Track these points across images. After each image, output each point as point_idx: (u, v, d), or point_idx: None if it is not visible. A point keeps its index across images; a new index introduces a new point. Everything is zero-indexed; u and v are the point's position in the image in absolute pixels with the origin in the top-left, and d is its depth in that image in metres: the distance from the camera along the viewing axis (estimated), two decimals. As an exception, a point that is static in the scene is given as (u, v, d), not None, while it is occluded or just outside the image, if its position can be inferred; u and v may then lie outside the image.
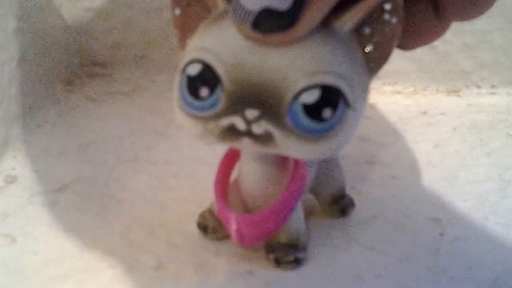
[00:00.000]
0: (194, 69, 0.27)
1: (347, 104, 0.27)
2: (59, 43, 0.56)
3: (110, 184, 0.42)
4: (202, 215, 0.37)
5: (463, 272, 0.34)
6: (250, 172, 0.34)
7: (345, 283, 0.34)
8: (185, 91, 0.28)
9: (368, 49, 0.27)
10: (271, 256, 0.34)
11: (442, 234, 0.38)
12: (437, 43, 0.54)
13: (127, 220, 0.38)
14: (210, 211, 0.37)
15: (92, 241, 0.37)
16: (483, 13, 0.29)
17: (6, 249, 0.36)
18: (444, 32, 0.30)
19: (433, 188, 0.42)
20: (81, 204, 0.40)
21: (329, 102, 0.26)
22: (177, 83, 0.29)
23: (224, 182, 0.35)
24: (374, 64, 0.28)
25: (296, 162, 0.32)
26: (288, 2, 0.24)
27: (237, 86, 0.26)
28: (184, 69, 0.28)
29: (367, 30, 0.27)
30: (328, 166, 0.37)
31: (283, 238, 0.34)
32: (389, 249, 0.36)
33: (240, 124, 0.27)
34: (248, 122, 0.27)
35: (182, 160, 0.45)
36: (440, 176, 0.44)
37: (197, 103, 0.28)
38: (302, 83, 0.26)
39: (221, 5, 0.28)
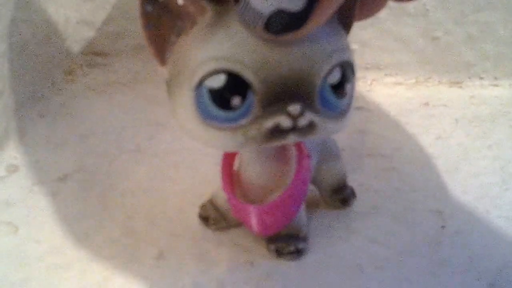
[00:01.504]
0: (217, 81, 0.26)
1: (353, 72, 0.28)
2: (60, 33, 0.55)
3: (111, 174, 0.42)
4: (203, 206, 0.38)
5: (464, 264, 0.34)
6: (253, 165, 0.34)
7: (345, 274, 0.34)
8: (210, 105, 0.27)
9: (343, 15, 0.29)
10: (272, 246, 0.35)
11: (443, 227, 0.38)
12: (439, 34, 0.54)
13: (128, 210, 0.39)
14: (211, 202, 0.37)
15: (93, 231, 0.37)
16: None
17: (8, 237, 0.36)
18: (382, 8, 0.31)
19: (434, 180, 0.42)
20: (83, 194, 0.40)
21: (347, 77, 0.28)
22: (187, 100, 0.28)
23: (230, 178, 0.35)
24: (347, 26, 0.29)
25: (299, 149, 0.32)
26: (301, 4, 0.24)
27: (270, 85, 0.26)
28: (200, 84, 0.27)
29: None
30: (328, 157, 0.37)
31: (285, 229, 0.34)
32: (390, 241, 0.36)
33: (286, 122, 0.27)
34: (294, 118, 0.27)
35: (183, 151, 0.45)
36: (441, 169, 0.44)
37: (228, 114, 0.27)
38: (328, 65, 0.27)
39: (210, 10, 0.27)
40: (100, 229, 0.37)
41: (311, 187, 0.38)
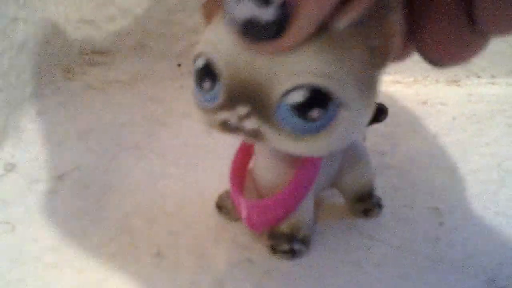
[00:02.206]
0: (200, 62, 0.28)
1: (339, 105, 0.26)
2: (59, 31, 0.56)
3: (110, 172, 0.42)
4: (220, 196, 0.38)
5: (462, 261, 0.34)
6: (262, 161, 0.34)
7: (344, 272, 0.34)
8: (194, 82, 0.29)
9: (372, 44, 0.26)
10: (268, 242, 0.35)
11: (441, 223, 0.38)
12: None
13: (127, 208, 0.39)
14: (227, 193, 0.37)
15: (91, 229, 0.37)
16: (457, 63, 0.28)
17: (5, 236, 0.36)
18: (482, 48, 0.27)
19: (432, 177, 0.42)
20: (81, 192, 0.40)
21: (318, 103, 0.26)
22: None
23: (240, 169, 0.36)
24: (378, 59, 0.27)
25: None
26: (270, 14, 0.24)
27: (232, 81, 0.27)
28: (194, 61, 0.29)
29: (368, 26, 0.26)
30: (353, 162, 0.37)
31: (284, 227, 0.34)
32: (388, 237, 0.36)
33: (233, 119, 0.27)
34: (240, 118, 0.27)
35: (182, 148, 0.45)
36: (439, 166, 0.44)
37: (202, 94, 0.28)
38: (288, 84, 0.26)
39: None
40: (98, 228, 0.37)
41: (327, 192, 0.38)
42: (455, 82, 0.57)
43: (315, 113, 0.26)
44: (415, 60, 0.56)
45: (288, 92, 0.26)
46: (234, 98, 0.27)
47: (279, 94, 0.26)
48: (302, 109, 0.26)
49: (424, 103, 0.54)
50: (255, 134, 0.27)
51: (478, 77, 0.57)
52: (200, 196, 0.39)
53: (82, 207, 0.39)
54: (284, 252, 0.34)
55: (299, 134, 0.27)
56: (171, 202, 0.39)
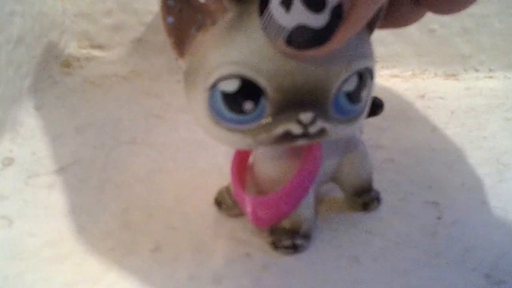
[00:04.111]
0: (231, 85, 0.27)
1: (372, 77, 0.28)
2: (57, 26, 0.55)
3: (107, 166, 0.42)
4: (219, 192, 0.38)
5: (460, 255, 0.34)
6: (263, 157, 0.34)
7: (342, 266, 0.34)
8: (222, 108, 0.27)
9: None
10: (270, 239, 0.35)
11: (439, 218, 0.38)
12: (435, 26, 0.54)
13: (125, 202, 0.39)
14: (227, 189, 0.37)
15: (89, 224, 0.37)
16: (459, 11, 0.29)
17: (3, 231, 0.36)
18: (417, 20, 0.30)
19: (430, 171, 0.42)
20: (79, 187, 0.40)
21: (364, 83, 0.28)
22: (201, 98, 0.28)
23: (241, 165, 0.36)
24: (371, 25, 0.29)
25: (310, 146, 0.32)
26: (323, 21, 0.24)
27: (283, 93, 0.26)
28: (214, 86, 0.27)
29: None
30: (352, 157, 0.37)
31: (285, 222, 0.34)
32: (387, 232, 0.36)
33: (297, 129, 0.27)
34: (305, 126, 0.27)
35: (179, 143, 0.45)
36: (437, 160, 0.44)
37: (239, 117, 0.27)
38: (344, 75, 0.26)
39: (232, 10, 0.27)
40: (96, 222, 0.37)
41: (326, 186, 0.38)
42: (453, 76, 0.57)
43: (365, 93, 0.28)
44: (413, 54, 0.56)
45: (344, 82, 0.27)
46: (288, 108, 0.27)
47: (336, 89, 0.27)
48: (356, 94, 0.28)
49: (422, 97, 0.54)
50: (320, 135, 0.27)
51: (476, 71, 0.57)
52: (198, 190, 0.39)
53: (80, 201, 0.39)
54: (286, 247, 0.34)
55: (352, 117, 0.28)
56: (169, 197, 0.39)
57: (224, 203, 0.37)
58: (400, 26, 0.31)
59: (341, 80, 0.27)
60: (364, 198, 0.38)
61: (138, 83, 0.55)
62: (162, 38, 0.57)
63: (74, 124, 0.47)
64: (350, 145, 0.36)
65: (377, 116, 0.38)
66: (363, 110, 0.29)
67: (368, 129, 0.41)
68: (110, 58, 0.58)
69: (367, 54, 0.28)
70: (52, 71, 0.54)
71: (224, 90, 0.27)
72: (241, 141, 0.28)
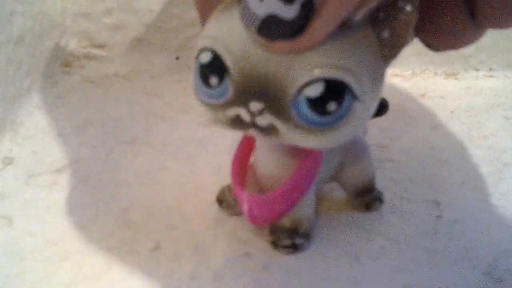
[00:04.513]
0: (205, 57, 0.27)
1: (354, 97, 0.26)
2: (57, 25, 0.55)
3: (108, 166, 0.42)
4: (221, 190, 0.38)
5: (460, 254, 0.34)
6: (264, 155, 0.34)
7: (342, 265, 0.34)
8: (198, 78, 0.28)
9: (383, 35, 0.27)
10: (270, 238, 0.35)
11: (439, 216, 0.38)
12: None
13: (125, 201, 0.39)
14: (229, 187, 0.37)
15: (89, 223, 0.37)
16: None
17: (3, 230, 0.36)
18: (478, 39, 0.29)
19: (430, 170, 0.42)
20: (79, 186, 0.40)
21: (334, 96, 0.26)
22: (193, 68, 0.29)
23: (242, 163, 0.36)
24: (388, 51, 0.27)
25: (307, 151, 0.32)
26: (293, 12, 0.23)
27: (244, 77, 0.26)
28: (197, 56, 0.28)
29: (381, 17, 0.26)
30: (354, 156, 0.37)
31: (285, 221, 0.34)
32: (387, 231, 0.36)
33: (245, 116, 0.27)
34: (253, 114, 0.27)
35: (180, 142, 0.45)
36: (438, 159, 0.44)
37: (207, 91, 0.28)
38: (305, 78, 0.26)
39: None
40: (96, 221, 0.37)
41: (328, 186, 0.38)
42: (454, 75, 0.57)
43: (332, 106, 0.26)
44: (413, 53, 0.56)
45: (305, 86, 0.26)
46: (246, 93, 0.26)
47: (296, 89, 0.26)
48: (319, 103, 0.26)
49: (422, 96, 0.54)
50: (269, 130, 0.27)
51: (476, 70, 0.57)
52: (199, 190, 0.39)
53: (81, 201, 0.39)
54: (286, 247, 0.34)
55: (315, 128, 0.27)
56: (170, 196, 0.39)
57: (226, 201, 0.37)
58: (457, 48, 0.30)
59: (301, 81, 0.26)
60: (366, 198, 0.38)
61: (138, 82, 0.55)
62: (163, 38, 0.57)
63: (74, 124, 0.47)
64: (352, 145, 0.36)
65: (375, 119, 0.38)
66: (336, 127, 0.27)
67: (369, 128, 0.41)
68: (110, 58, 0.58)
69: (352, 71, 0.26)
70: (52, 71, 0.54)
71: (200, 61, 0.27)
72: (206, 115, 0.29)
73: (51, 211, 0.38)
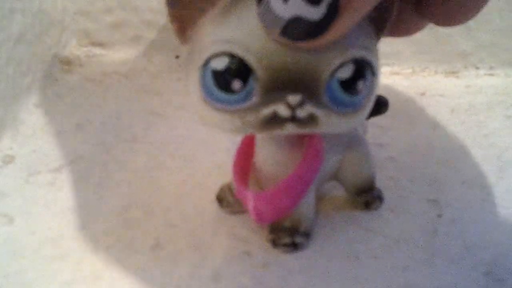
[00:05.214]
0: (221, 63, 0.26)
1: (373, 73, 0.28)
2: (57, 23, 0.55)
3: (108, 164, 0.42)
4: (221, 189, 0.38)
5: (460, 253, 0.34)
6: (265, 153, 0.34)
7: (342, 264, 0.34)
8: (212, 86, 0.27)
9: (372, 14, 0.27)
10: (270, 236, 0.35)
11: (439, 215, 0.38)
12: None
13: (125, 200, 0.39)
14: (229, 186, 0.37)
15: (89, 221, 0.37)
16: (460, 23, 0.29)
17: (3, 229, 0.36)
18: (420, 30, 0.31)
19: (431, 169, 0.42)
20: (79, 184, 0.40)
21: (361, 74, 0.27)
22: (195, 78, 0.28)
23: (244, 162, 0.36)
24: (379, 28, 0.28)
25: (311, 139, 0.32)
26: (319, 13, 0.24)
27: (272, 73, 0.26)
28: (206, 64, 0.27)
29: None
30: (354, 154, 0.37)
31: (285, 220, 0.34)
32: (387, 230, 0.36)
33: (284, 111, 0.26)
34: (292, 108, 0.26)
35: (179, 140, 0.45)
36: (438, 158, 0.44)
37: (228, 97, 0.27)
38: (338, 60, 0.26)
39: None
40: (96, 220, 0.37)
41: (328, 185, 0.38)
42: (454, 73, 0.57)
43: (360, 84, 0.27)
44: (413, 52, 0.56)
45: (337, 69, 0.26)
46: (278, 89, 0.26)
47: (328, 74, 0.26)
48: (351, 83, 0.27)
49: (423, 94, 0.54)
50: (307, 122, 0.27)
51: (477, 68, 0.57)
52: (198, 188, 0.39)
53: (81, 199, 0.39)
54: (286, 245, 0.34)
55: (348, 109, 0.28)
56: (169, 194, 0.39)
57: (225, 200, 0.37)
58: (401, 36, 0.31)
59: (335, 64, 0.26)
60: (366, 197, 0.38)
61: (138, 81, 0.55)
62: (162, 36, 0.57)
63: (74, 122, 0.47)
64: (353, 143, 0.36)
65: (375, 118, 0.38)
66: (362, 106, 0.28)
67: (369, 127, 0.41)
68: (110, 56, 0.58)
69: (368, 48, 0.27)
70: (52, 69, 0.54)
71: (215, 68, 0.27)
72: (230, 123, 0.28)
73: (51, 209, 0.38)
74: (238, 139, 0.36)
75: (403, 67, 0.58)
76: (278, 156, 0.33)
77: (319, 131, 0.28)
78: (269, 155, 0.34)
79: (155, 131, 0.47)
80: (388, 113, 0.38)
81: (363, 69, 0.27)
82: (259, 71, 0.26)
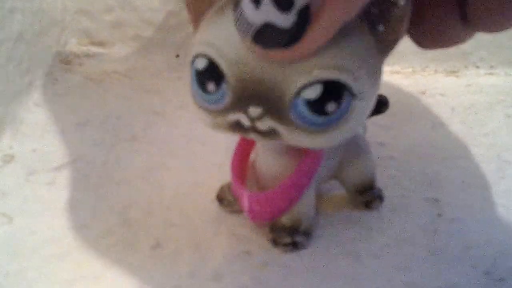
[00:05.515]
0: (201, 64, 0.27)
1: (353, 95, 0.26)
2: (57, 22, 0.55)
3: (108, 163, 0.42)
4: (221, 188, 0.38)
5: (460, 252, 0.34)
6: (264, 154, 0.34)
7: (343, 263, 0.34)
8: (195, 83, 0.28)
9: (378, 29, 0.27)
10: (270, 236, 0.35)
11: (439, 215, 0.38)
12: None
13: (125, 199, 0.39)
14: (229, 185, 0.37)
15: (89, 221, 0.37)
16: (510, 28, 0.27)
17: (3, 228, 0.36)
18: (467, 40, 0.29)
19: (431, 168, 0.42)
20: (79, 184, 0.40)
21: (333, 96, 0.26)
22: (189, 73, 0.28)
23: (242, 161, 0.36)
24: (384, 45, 0.27)
25: (308, 149, 0.32)
26: (290, 21, 0.23)
27: (240, 82, 0.26)
28: (192, 62, 0.28)
29: (375, 12, 0.26)
30: (354, 154, 0.37)
31: (285, 219, 0.34)
32: (387, 229, 0.36)
33: (245, 121, 0.27)
34: (252, 119, 0.27)
35: (179, 140, 0.45)
36: (438, 157, 0.44)
37: (205, 96, 0.27)
38: (303, 80, 0.25)
39: None
40: (96, 219, 0.37)
41: (328, 184, 0.38)
42: (454, 72, 0.57)
43: (331, 106, 0.26)
44: (414, 51, 0.56)
45: (303, 88, 0.26)
46: (244, 98, 0.26)
47: (293, 92, 0.26)
48: (318, 104, 0.26)
49: (423, 93, 0.54)
50: (269, 134, 0.27)
51: (477, 67, 0.57)
52: (198, 187, 0.39)
53: (81, 198, 0.39)
54: (286, 245, 0.34)
55: (315, 129, 0.27)
56: (170, 194, 0.39)
57: (226, 199, 0.37)
58: (444, 47, 0.30)
59: (298, 84, 0.26)
60: (367, 196, 0.38)
61: (138, 80, 0.55)
62: (162, 35, 0.57)
63: (74, 121, 0.47)
64: (353, 143, 0.36)
65: (376, 117, 0.37)
66: (336, 126, 0.27)
67: (369, 126, 0.41)
68: (110, 55, 0.58)
69: (348, 70, 0.26)
70: (52, 68, 0.54)
71: (196, 67, 0.27)
72: (205, 121, 0.29)
73: (51, 209, 0.37)
74: (237, 138, 0.36)
75: (404, 66, 0.58)
76: (277, 158, 0.33)
77: (286, 143, 0.28)
78: (268, 156, 0.34)
79: (155, 131, 0.47)
80: (388, 112, 0.38)
81: (337, 91, 0.26)
82: (230, 78, 0.26)
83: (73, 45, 0.58)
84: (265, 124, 0.26)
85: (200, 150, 0.44)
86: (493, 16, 0.26)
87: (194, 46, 0.28)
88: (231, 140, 0.36)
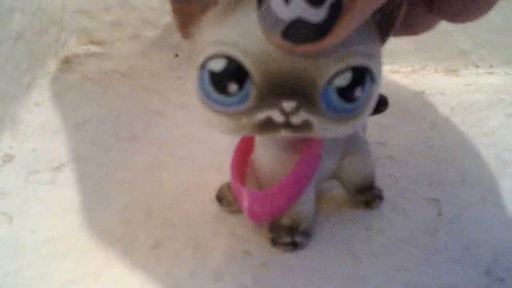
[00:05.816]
0: (218, 65, 0.26)
1: (373, 79, 0.27)
2: (56, 21, 0.55)
3: (107, 163, 0.42)
4: (221, 188, 0.38)
5: (460, 252, 0.34)
6: (264, 153, 0.34)
7: (342, 263, 0.34)
8: (209, 87, 0.27)
9: (378, 17, 0.27)
10: (270, 235, 0.35)
11: (439, 214, 0.38)
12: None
13: (125, 199, 0.38)
14: (228, 185, 0.37)
15: (89, 220, 0.37)
16: (475, 19, 0.29)
17: (3, 228, 0.36)
18: (432, 28, 0.31)
19: (430, 168, 0.42)
20: (78, 183, 0.40)
21: (360, 82, 0.27)
22: (194, 78, 0.27)
23: (242, 160, 0.36)
24: (385, 32, 0.28)
25: (310, 140, 0.32)
26: (321, 15, 0.23)
27: (269, 78, 0.26)
28: (204, 65, 0.27)
29: None
30: (353, 153, 0.37)
31: (285, 219, 0.34)
32: (386, 229, 0.36)
33: (278, 117, 0.26)
34: (286, 114, 0.26)
35: (179, 139, 0.45)
36: (437, 156, 0.44)
37: (224, 99, 0.27)
38: (335, 68, 0.26)
39: None
40: (96, 219, 0.37)
41: (328, 184, 0.38)
42: (454, 72, 0.57)
43: (358, 92, 0.27)
44: (413, 50, 0.56)
45: (334, 76, 0.26)
46: (273, 94, 0.26)
47: (325, 81, 0.26)
48: (348, 91, 0.26)
49: (422, 93, 0.54)
50: (302, 128, 0.27)
51: (477, 66, 0.57)
52: (198, 187, 0.39)
53: (80, 198, 0.39)
54: (286, 244, 0.34)
55: (343, 116, 0.27)
56: (169, 194, 0.39)
57: (225, 199, 0.37)
58: (412, 35, 0.31)
59: (331, 72, 0.26)
60: (366, 196, 0.38)
61: (137, 79, 0.55)
62: (162, 35, 0.57)
63: (73, 121, 0.47)
64: (352, 142, 0.36)
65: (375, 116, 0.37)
66: (360, 112, 0.28)
67: (368, 125, 0.41)
68: (109, 55, 0.58)
69: (369, 54, 0.27)
70: (51, 68, 0.54)
71: (212, 69, 0.26)
72: (225, 125, 0.28)
73: (50, 209, 0.37)
74: (238, 138, 0.36)
75: (403, 66, 0.58)
76: (277, 157, 0.33)
77: (315, 136, 0.28)
78: (268, 155, 0.34)
79: (155, 130, 0.47)
80: (388, 111, 0.38)
81: (362, 77, 0.27)
82: (256, 75, 0.26)
83: (73, 45, 0.58)
84: (300, 117, 0.26)
85: (200, 149, 0.44)
86: (455, 8, 0.28)
87: (203, 48, 0.27)
88: (231, 140, 0.36)
